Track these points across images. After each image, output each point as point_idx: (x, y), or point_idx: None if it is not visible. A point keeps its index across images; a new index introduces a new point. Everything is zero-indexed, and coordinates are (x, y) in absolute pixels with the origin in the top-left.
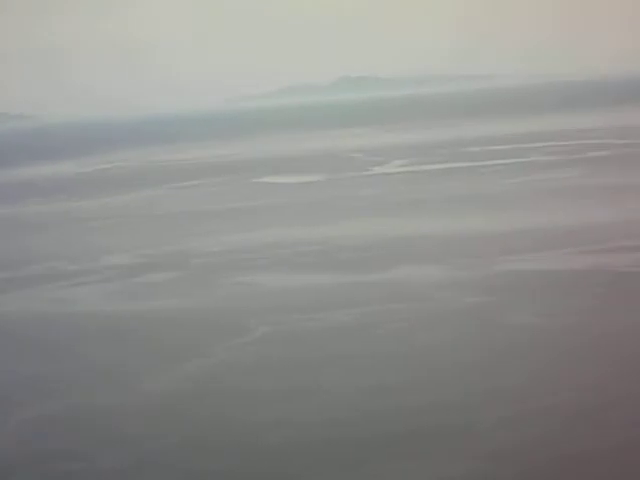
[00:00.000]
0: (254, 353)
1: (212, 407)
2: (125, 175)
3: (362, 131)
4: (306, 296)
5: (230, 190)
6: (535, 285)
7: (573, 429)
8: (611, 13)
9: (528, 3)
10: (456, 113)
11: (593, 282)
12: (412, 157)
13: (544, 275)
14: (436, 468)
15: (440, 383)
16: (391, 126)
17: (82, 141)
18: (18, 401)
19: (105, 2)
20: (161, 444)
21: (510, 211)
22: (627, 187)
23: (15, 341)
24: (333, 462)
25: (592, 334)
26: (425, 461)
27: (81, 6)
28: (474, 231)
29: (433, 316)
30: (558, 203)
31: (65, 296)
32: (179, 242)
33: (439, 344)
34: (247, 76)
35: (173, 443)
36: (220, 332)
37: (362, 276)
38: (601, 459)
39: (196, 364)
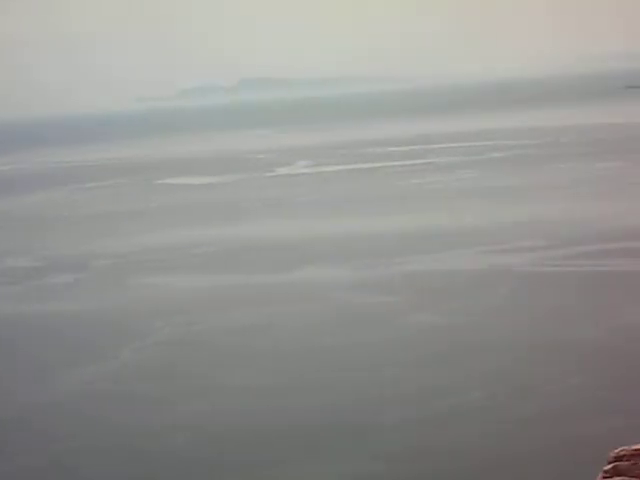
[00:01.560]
0: (160, 354)
1: (118, 409)
2: (26, 177)
3: (266, 132)
4: (211, 297)
5: (134, 191)
6: (437, 285)
7: (477, 428)
8: (515, 13)
9: (432, 4)
10: (358, 114)
11: (494, 282)
12: (315, 158)
13: (446, 275)
14: (339, 467)
15: (341, 383)
16: (295, 127)
17: None
18: None
19: None
20: (66, 446)
21: (411, 212)
22: (526, 188)
23: None
24: (236, 463)
25: (494, 333)
26: (327, 461)
27: None
28: (376, 232)
29: (336, 316)
30: (459, 204)
31: None
32: (83, 244)
33: (341, 344)
34: (151, 78)
35: (78, 445)
36: (126, 334)
37: (266, 277)
38: (505, 456)
39: (102, 366)
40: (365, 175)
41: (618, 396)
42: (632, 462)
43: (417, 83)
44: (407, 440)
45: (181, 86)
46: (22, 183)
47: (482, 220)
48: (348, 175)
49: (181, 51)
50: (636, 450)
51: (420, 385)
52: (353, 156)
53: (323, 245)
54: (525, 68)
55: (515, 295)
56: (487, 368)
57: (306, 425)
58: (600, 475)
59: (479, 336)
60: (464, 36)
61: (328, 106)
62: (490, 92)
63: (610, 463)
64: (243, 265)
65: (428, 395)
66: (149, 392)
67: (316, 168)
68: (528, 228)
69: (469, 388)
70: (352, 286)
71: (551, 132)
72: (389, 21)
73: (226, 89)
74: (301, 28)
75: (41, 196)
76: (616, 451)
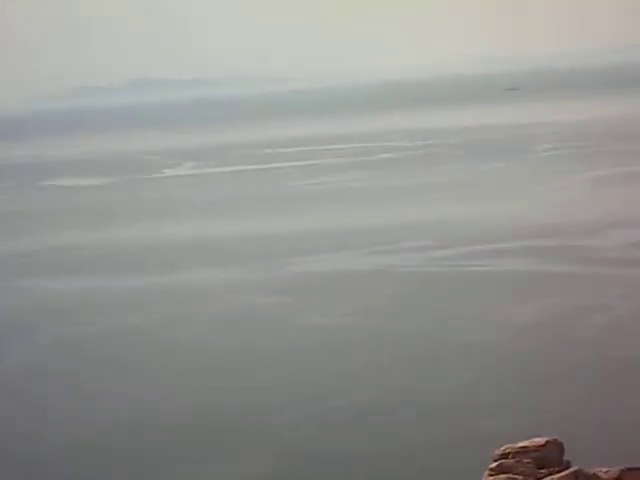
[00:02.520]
0: (39, 358)
1: None
2: None
3: (155, 133)
4: (94, 300)
5: (16, 194)
6: (327, 285)
7: (363, 428)
8: (409, 15)
9: (317, 4)
10: (250, 116)
11: (382, 282)
12: (204, 159)
13: (336, 275)
14: (240, 468)
15: (228, 384)
16: (184, 128)
17: None
18: None
19: None
20: None
21: (302, 213)
22: (414, 188)
23: None
24: (138, 464)
25: (382, 333)
26: (228, 461)
27: None
28: (267, 233)
29: (226, 317)
30: (348, 205)
31: None
32: None
33: (233, 345)
34: (38, 77)
35: None
36: (3, 338)
37: (155, 278)
38: (394, 455)
39: None
40: (255, 176)
41: (505, 394)
42: (517, 459)
43: (308, 84)
44: (296, 441)
45: (69, 87)
46: None
47: (371, 221)
48: (237, 176)
49: (72, 51)
50: (521, 448)
51: (309, 385)
52: (242, 157)
53: (213, 246)
54: (412, 70)
55: (402, 295)
56: (374, 368)
57: (186, 426)
58: (486, 473)
59: (367, 336)
60: (356, 37)
61: (217, 107)
62: (382, 93)
63: (495, 461)
64: (131, 267)
65: (315, 395)
66: (33, 393)
67: (204, 169)
68: (416, 229)
69: (355, 388)
70: (243, 287)
71: (440, 133)
72: (275, 21)
73: (112, 89)
74: (189, 29)
75: None
76: (501, 449)
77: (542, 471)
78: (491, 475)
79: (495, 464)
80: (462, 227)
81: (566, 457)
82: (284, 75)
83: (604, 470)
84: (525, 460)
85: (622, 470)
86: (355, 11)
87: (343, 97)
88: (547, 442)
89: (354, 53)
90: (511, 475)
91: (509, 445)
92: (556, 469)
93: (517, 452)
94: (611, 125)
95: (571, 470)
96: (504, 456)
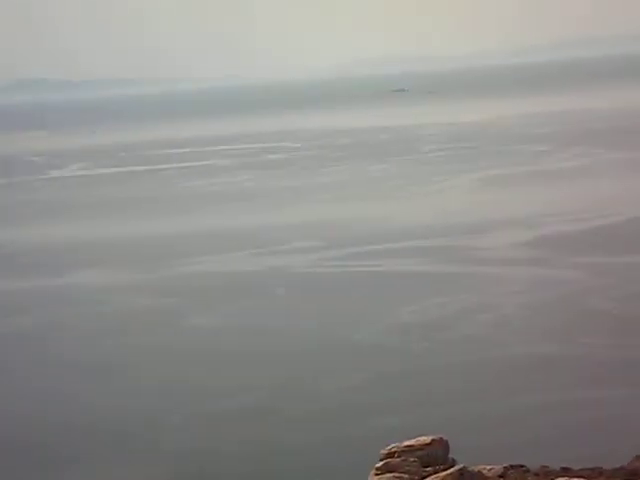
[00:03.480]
0: None
1: None
2: None
3: (40, 134)
4: None
5: None
6: (216, 287)
7: (253, 430)
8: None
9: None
10: (137, 116)
11: (272, 283)
12: (91, 160)
13: (225, 277)
14: (124, 471)
15: (108, 389)
16: (71, 129)
17: None
18: None
19: None
20: None
21: (191, 214)
22: (303, 189)
23: None
24: (25, 467)
25: (270, 335)
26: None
27: None
28: (156, 234)
29: (115, 319)
30: (237, 205)
31: None
32: None
33: (119, 348)
34: None
35: None
36: None
37: (37, 281)
38: (282, 454)
39: None
40: (145, 177)
41: (393, 394)
42: (402, 458)
43: (197, 84)
44: (186, 442)
45: None
46: None
47: (260, 221)
48: (125, 177)
49: None
50: (407, 446)
51: (195, 386)
52: (132, 158)
53: (98, 248)
54: (301, 71)
55: (291, 296)
56: (261, 369)
57: (106, 430)
58: (372, 472)
59: (254, 337)
60: (248, 37)
61: (106, 108)
62: (271, 94)
63: (382, 460)
64: (12, 269)
65: (202, 396)
66: None
67: (93, 170)
68: (305, 229)
69: (242, 389)
70: (129, 289)
71: (329, 134)
72: (171, 20)
73: None
74: (81, 30)
75: None
76: (387, 448)
77: (428, 469)
78: (377, 474)
79: (381, 463)
80: (351, 228)
81: (451, 455)
82: (173, 76)
83: (488, 467)
84: (411, 459)
85: (506, 467)
86: (249, 12)
87: (233, 98)
88: (433, 440)
89: (244, 54)
90: (397, 474)
91: (395, 444)
92: (442, 467)
93: (403, 451)
94: (500, 126)
95: (456, 468)
96: (390, 455)
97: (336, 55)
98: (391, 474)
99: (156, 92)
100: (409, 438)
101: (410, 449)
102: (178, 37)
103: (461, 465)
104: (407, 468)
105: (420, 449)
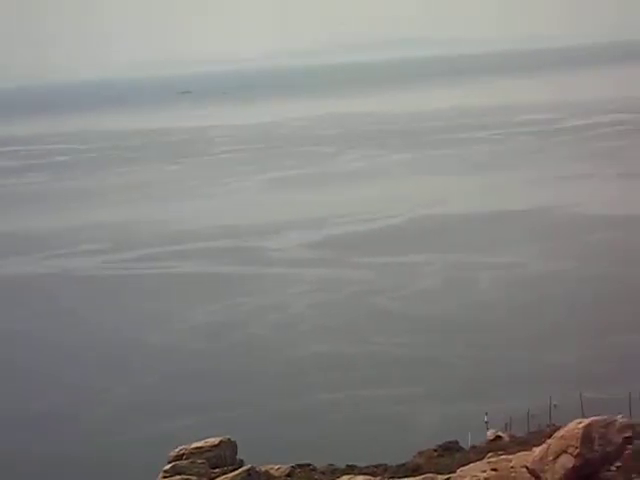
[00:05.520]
0: None
1: None
2: None
3: None
4: None
5: None
6: (3, 290)
7: (62, 435)
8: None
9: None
10: None
11: (57, 287)
12: None
13: (11, 280)
14: None
15: None
16: None
17: None
18: None
19: None
20: None
21: None
22: (91, 191)
23: None
24: None
25: (61, 337)
26: None
27: None
28: None
29: None
30: (23, 208)
31: None
32: None
33: None
34: None
35: None
36: None
37: None
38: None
39: None
40: None
41: (188, 395)
42: (191, 460)
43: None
44: None
45: None
46: None
47: (48, 224)
48: None
49: None
50: (195, 448)
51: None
52: None
53: None
54: (107, 71)
55: (80, 299)
56: (52, 374)
57: None
58: (160, 475)
59: (44, 341)
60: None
61: None
62: (65, 94)
63: (170, 462)
64: None
65: (11, 403)
66: None
67: None
68: (94, 232)
69: (35, 399)
70: None
71: (117, 136)
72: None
73: None
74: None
75: None
76: (176, 450)
77: (216, 470)
78: (165, 477)
79: (169, 466)
80: (140, 230)
81: (239, 456)
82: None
83: (276, 467)
84: (199, 460)
85: (293, 467)
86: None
87: (22, 99)
88: (221, 442)
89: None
90: (185, 476)
91: (183, 446)
92: (230, 468)
93: (191, 453)
94: (288, 127)
95: (244, 468)
96: (178, 457)
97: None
98: (179, 476)
99: None
100: (197, 440)
101: (198, 451)
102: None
103: (249, 465)
104: (195, 470)
105: (208, 450)
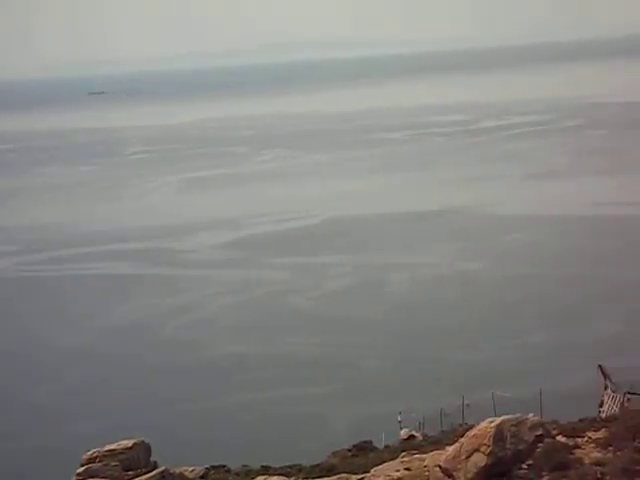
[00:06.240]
0: None
1: None
2: None
3: None
4: None
5: None
6: None
7: None
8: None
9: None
10: None
11: None
12: None
13: None
14: None
15: None
16: None
17: None
18: None
19: None
20: None
21: None
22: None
23: None
24: None
25: None
26: None
27: None
28: None
29: None
30: None
31: None
32: None
33: None
34: None
35: None
36: None
37: None
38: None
39: None
40: None
41: (105, 398)
42: (104, 463)
43: None
44: None
45: None
46: None
47: None
48: None
49: None
50: (108, 451)
51: None
52: None
53: None
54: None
55: None
56: None
57: None
58: (73, 478)
59: None
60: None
61: None
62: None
63: (83, 465)
64: None
65: None
66: None
67: None
68: (2, 234)
69: None
70: None
71: (29, 135)
72: None
73: None
74: None
75: None
76: (89, 453)
77: (129, 473)
78: None
79: (82, 469)
80: (51, 232)
81: (153, 458)
82: None
83: (190, 469)
84: (112, 463)
85: (207, 468)
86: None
87: None
88: (134, 444)
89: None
90: (98, 479)
91: (97, 449)
92: (144, 470)
93: (104, 455)
94: (201, 128)
95: (158, 471)
96: (91, 460)
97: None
98: (93, 479)
99: None
100: (110, 442)
101: (112, 453)
102: None
103: (163, 467)
104: (109, 472)
105: (122, 453)
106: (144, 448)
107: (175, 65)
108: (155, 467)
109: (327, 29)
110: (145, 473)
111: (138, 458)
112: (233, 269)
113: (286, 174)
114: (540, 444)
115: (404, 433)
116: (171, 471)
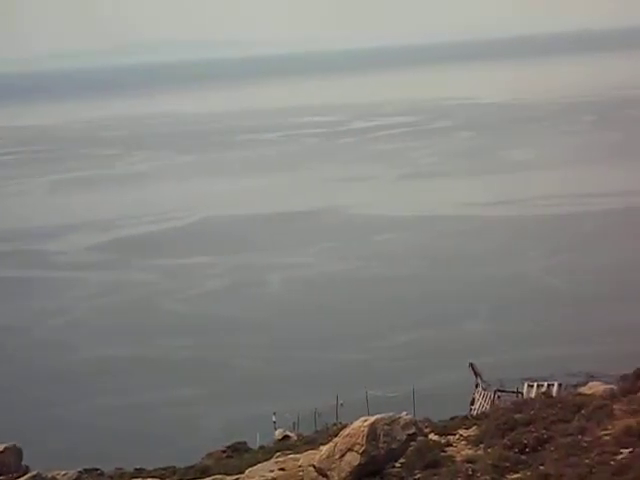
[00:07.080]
0: None
1: None
2: None
3: None
4: None
5: None
6: None
7: None
8: None
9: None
10: None
11: None
12: None
13: None
14: None
15: None
16: None
17: None
18: None
19: None
20: None
21: None
22: None
23: None
24: None
25: None
26: None
27: None
28: None
29: None
30: None
31: None
32: None
33: None
34: None
35: None
36: None
37: None
38: None
39: None
40: None
41: None
42: None
43: None
44: None
45: None
46: None
47: None
48: None
49: None
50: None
51: None
52: None
53: None
54: None
55: None
56: None
57: None
58: None
59: None
60: None
61: None
62: None
63: None
64: None
65: None
66: None
67: None
68: None
69: None
70: None
71: None
72: None
73: None
74: None
75: None
76: None
77: (0, 478)
78: None
79: None
80: None
81: (25, 462)
82: None
83: (62, 473)
84: None
85: (80, 472)
86: None
87: None
88: (5, 449)
89: None
90: None
91: None
92: (15, 475)
93: None
94: (68, 130)
95: (30, 475)
96: None
97: None
98: None
99: None
100: None
101: None
102: None
103: (35, 472)
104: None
105: None
106: (15, 452)
107: (37, 67)
108: (27, 471)
109: (203, 29)
110: (16, 478)
111: (9, 462)
112: (105, 270)
113: (157, 175)
114: (413, 442)
115: (279, 433)
116: (43, 475)
